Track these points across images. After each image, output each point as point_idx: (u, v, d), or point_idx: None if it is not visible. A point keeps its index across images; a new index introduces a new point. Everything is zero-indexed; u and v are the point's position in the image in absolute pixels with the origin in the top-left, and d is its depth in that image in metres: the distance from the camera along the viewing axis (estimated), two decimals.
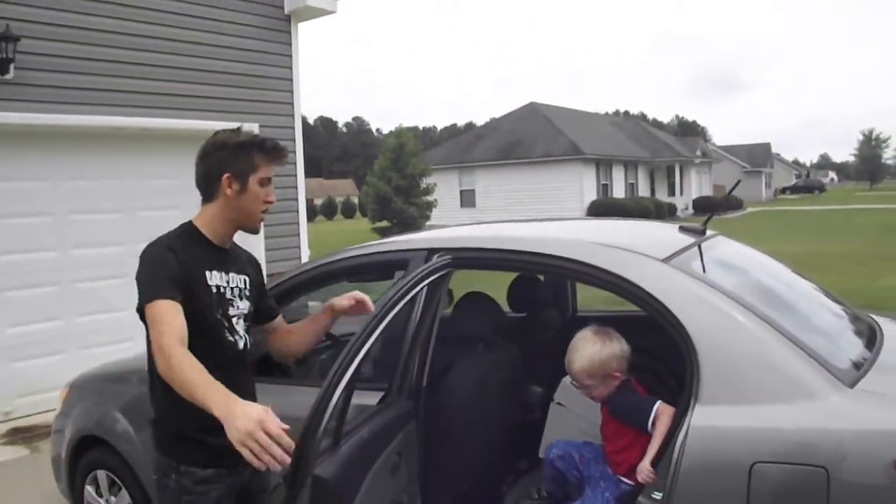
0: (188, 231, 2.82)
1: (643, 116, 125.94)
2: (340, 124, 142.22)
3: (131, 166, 8.38)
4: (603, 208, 36.14)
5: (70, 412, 4.66)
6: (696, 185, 49.41)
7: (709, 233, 3.65)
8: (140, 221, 8.29)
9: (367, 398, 3.18)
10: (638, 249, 3.09)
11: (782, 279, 3.83)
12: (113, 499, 4.41)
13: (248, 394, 2.74)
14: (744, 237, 4.38)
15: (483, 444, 3.63)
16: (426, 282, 2.94)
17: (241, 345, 2.86)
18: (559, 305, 4.77)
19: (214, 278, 2.77)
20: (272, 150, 2.80)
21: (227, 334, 2.79)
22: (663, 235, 3.68)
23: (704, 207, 42.36)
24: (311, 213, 62.09)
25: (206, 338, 2.67)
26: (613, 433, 3.26)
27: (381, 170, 38.06)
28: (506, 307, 4.46)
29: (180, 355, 2.38)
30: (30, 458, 6.47)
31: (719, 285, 2.92)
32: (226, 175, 2.74)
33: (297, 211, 10.22)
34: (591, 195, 38.96)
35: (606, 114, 76.98)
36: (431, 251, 3.36)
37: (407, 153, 37.88)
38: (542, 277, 4.61)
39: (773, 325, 2.74)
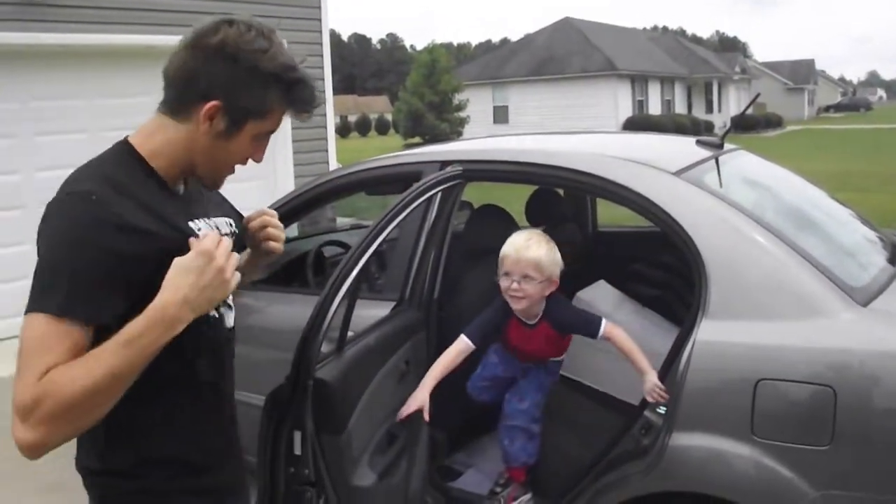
0: (134, 163, 1.75)
1: (682, 32, 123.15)
2: (374, 41, 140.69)
3: (156, 83, 8.38)
4: (638, 125, 35.64)
5: None
6: (735, 103, 48.46)
7: (728, 147, 3.59)
8: None
9: (385, 310, 3.22)
10: (650, 162, 3.05)
11: (803, 196, 3.76)
12: None
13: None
14: (781, 156, 4.28)
15: None
16: (431, 192, 2.92)
17: (229, 319, 1.93)
18: (579, 220, 4.74)
19: (201, 227, 1.81)
20: (301, 102, 1.78)
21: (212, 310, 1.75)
22: (678, 149, 3.62)
23: (743, 125, 41.59)
24: (345, 130, 62.01)
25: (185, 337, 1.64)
26: (540, 338, 3.24)
27: (414, 86, 37.92)
28: (524, 221, 4.45)
29: (59, 379, 1.50)
30: None
31: (731, 199, 2.88)
32: (213, 102, 1.70)
33: (326, 126, 10.23)
34: (626, 112, 38.41)
35: (644, 29, 75.35)
36: (444, 163, 3.33)
37: (439, 69, 37.64)
38: (561, 192, 4.58)
39: (785, 240, 2.69)
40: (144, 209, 1.66)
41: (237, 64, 1.70)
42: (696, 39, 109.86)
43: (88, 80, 7.94)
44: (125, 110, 8.13)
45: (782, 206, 3.47)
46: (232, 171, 1.85)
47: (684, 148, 3.54)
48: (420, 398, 2.91)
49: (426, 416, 2.89)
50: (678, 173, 2.96)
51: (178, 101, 1.76)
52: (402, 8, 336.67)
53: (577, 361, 3.51)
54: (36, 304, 1.55)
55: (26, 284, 1.62)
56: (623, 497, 2.73)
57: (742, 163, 3.66)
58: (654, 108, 41.29)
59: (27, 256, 1.98)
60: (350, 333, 2.66)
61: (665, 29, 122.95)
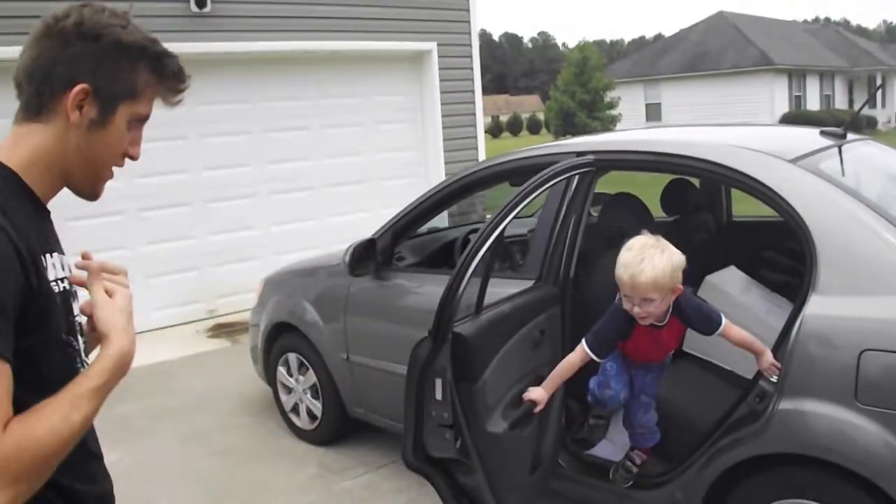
0: (2, 181, 1.49)
1: (845, 23, 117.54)
2: (526, 40, 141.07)
3: (320, 87, 9.04)
4: (793, 121, 34.45)
5: (265, 303, 5.31)
6: None
7: (852, 137, 3.74)
8: (327, 138, 9.09)
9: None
10: (769, 150, 3.26)
11: None
12: (301, 377, 5.04)
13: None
14: None
15: None
16: (559, 178, 3.23)
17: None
18: (713, 209, 4.92)
19: (55, 269, 1.53)
20: (172, 75, 1.65)
21: (79, 364, 1.59)
22: (801, 138, 3.79)
23: None
24: (497, 130, 62.41)
25: (52, 384, 1.43)
26: (670, 336, 3.25)
27: (565, 84, 37.94)
28: (660, 212, 4.68)
29: (34, 432, 1.33)
30: (231, 348, 7.35)
31: (844, 184, 3.06)
32: (80, 86, 1.52)
33: (475, 126, 10.57)
34: (782, 108, 37.18)
35: (804, 21, 72.44)
36: (580, 154, 3.62)
37: (590, 67, 37.49)
38: (696, 183, 4.78)
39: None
40: (27, 237, 1.44)
41: (99, 41, 1.54)
42: (860, 31, 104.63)
43: (254, 84, 8.56)
44: (286, 112, 8.80)
45: None
46: (111, 173, 1.65)
47: (807, 137, 3.72)
48: (538, 395, 3.13)
49: (535, 410, 3.11)
50: (794, 160, 3.16)
51: (39, 97, 1.53)
52: (554, 6, 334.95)
53: (702, 340, 3.73)
54: None
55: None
56: (734, 459, 2.97)
57: (867, 152, 3.80)
58: (813, 103, 39.77)
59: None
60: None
61: (827, 20, 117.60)
